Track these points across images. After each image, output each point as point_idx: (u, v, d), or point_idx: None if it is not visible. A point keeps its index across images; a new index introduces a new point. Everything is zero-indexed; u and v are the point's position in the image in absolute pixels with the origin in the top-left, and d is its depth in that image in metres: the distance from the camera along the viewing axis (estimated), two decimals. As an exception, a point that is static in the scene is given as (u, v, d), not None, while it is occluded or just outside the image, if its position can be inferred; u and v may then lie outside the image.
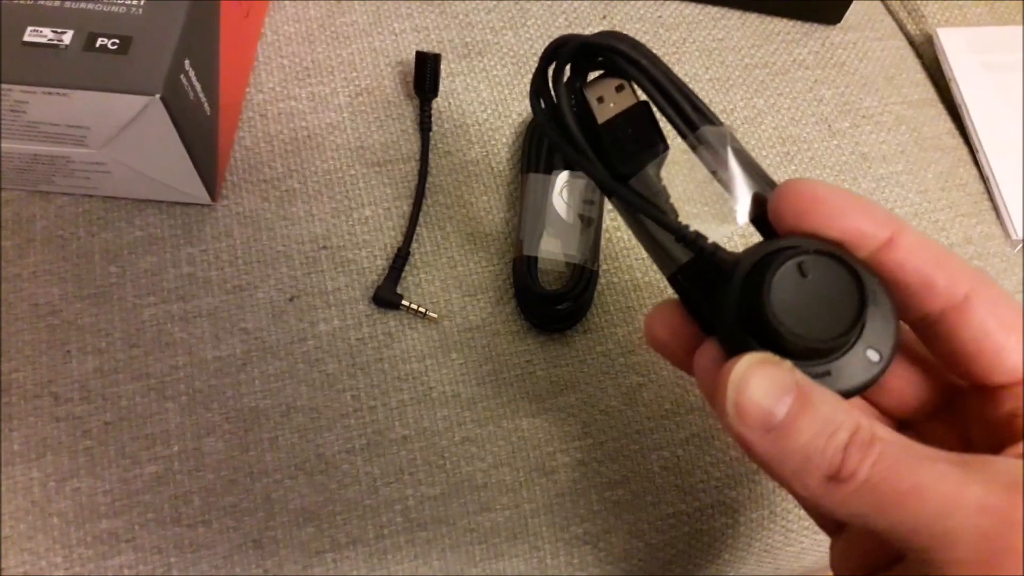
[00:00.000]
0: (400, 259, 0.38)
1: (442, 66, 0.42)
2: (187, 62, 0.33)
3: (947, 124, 0.48)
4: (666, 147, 0.27)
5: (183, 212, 0.38)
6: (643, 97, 0.26)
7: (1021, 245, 0.45)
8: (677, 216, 0.26)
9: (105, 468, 0.34)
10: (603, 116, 0.26)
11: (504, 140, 0.42)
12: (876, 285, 0.24)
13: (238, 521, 0.34)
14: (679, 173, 0.27)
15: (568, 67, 0.27)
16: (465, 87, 0.43)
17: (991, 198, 0.46)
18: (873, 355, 0.24)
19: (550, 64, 0.27)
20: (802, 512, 0.38)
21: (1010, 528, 0.19)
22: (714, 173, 0.25)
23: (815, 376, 0.23)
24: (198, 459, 0.34)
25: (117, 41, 0.32)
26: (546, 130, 0.28)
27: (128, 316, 0.36)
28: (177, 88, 0.32)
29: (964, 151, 0.48)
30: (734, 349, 0.23)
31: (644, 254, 0.40)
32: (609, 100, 0.27)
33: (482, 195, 0.41)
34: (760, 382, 0.21)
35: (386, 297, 0.37)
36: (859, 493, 0.20)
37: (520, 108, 0.43)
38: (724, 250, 0.24)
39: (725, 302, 0.24)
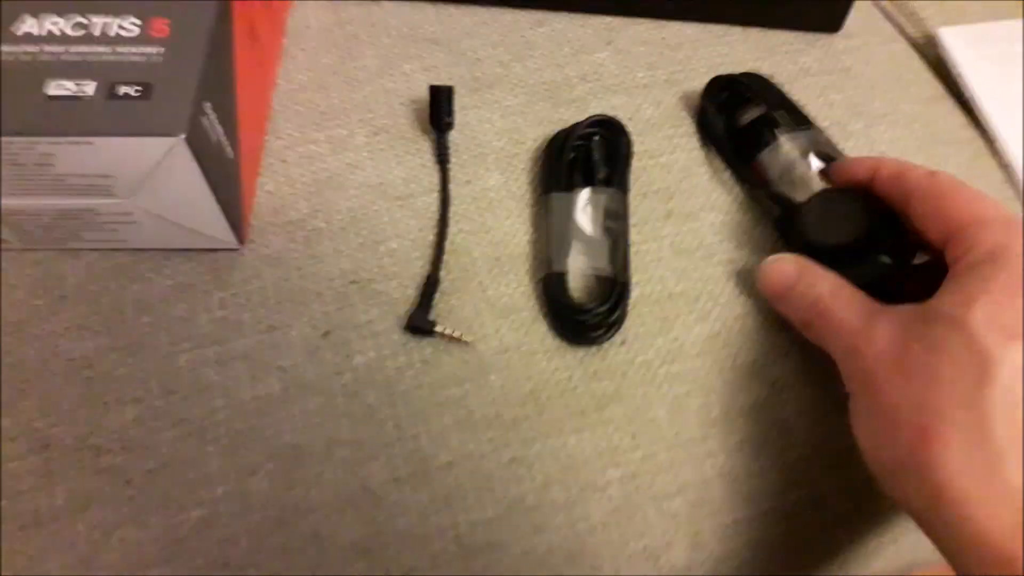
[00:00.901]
0: (430, 286, 0.38)
1: (455, 100, 0.43)
2: (207, 105, 0.34)
3: (960, 118, 0.49)
4: (776, 141, 0.42)
5: (211, 259, 0.38)
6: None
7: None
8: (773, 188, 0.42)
9: (150, 515, 0.33)
10: (743, 121, 0.44)
11: (521, 166, 0.43)
12: (884, 213, 0.37)
13: (288, 562, 0.33)
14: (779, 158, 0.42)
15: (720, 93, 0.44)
16: (479, 119, 0.44)
17: (1013, 185, 0.46)
18: (885, 259, 0.37)
19: (711, 92, 0.45)
20: (869, 513, 0.37)
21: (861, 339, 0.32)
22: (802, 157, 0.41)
23: (846, 274, 0.36)
24: (243, 500, 0.34)
25: (139, 88, 0.33)
26: (707, 133, 0.45)
27: (163, 364, 0.36)
28: (199, 130, 0.33)
29: (981, 143, 0.48)
30: None
31: (677, 264, 0.40)
32: (749, 113, 0.43)
33: (505, 219, 0.41)
34: (774, 265, 0.38)
35: (419, 324, 0.37)
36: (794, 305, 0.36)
37: (535, 134, 0.44)
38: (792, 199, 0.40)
39: (793, 232, 0.39)
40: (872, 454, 0.31)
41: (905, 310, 0.31)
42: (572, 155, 0.41)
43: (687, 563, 0.35)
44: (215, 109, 0.35)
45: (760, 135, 0.43)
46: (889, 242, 0.37)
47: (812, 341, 0.35)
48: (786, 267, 0.37)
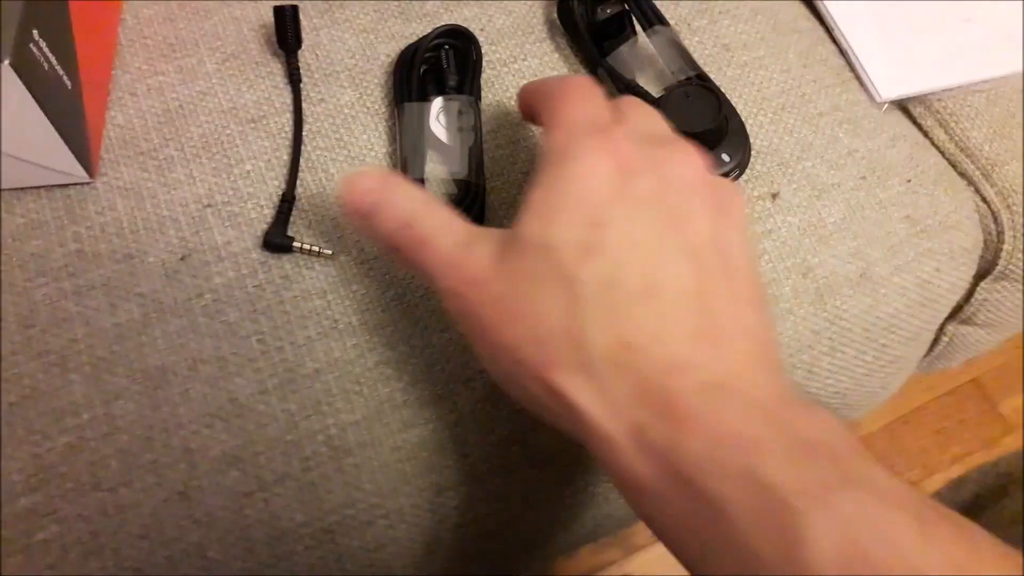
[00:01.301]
0: (286, 204, 0.39)
1: (305, 20, 0.43)
2: (35, 32, 0.33)
3: (801, 9, 0.51)
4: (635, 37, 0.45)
5: (64, 194, 0.38)
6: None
7: (886, 105, 0.47)
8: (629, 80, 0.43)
9: (16, 448, 0.33)
10: (602, 16, 0.45)
11: (376, 81, 0.43)
12: (735, 117, 0.42)
13: (160, 476, 0.34)
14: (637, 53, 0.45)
15: None
16: (330, 38, 0.44)
17: (852, 68, 0.48)
18: (726, 157, 0.41)
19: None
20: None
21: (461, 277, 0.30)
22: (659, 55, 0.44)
23: None
24: (110, 423, 0.34)
25: (-42, 18, 0.32)
26: (568, 25, 0.46)
27: (20, 299, 0.36)
28: (27, 56, 0.33)
29: (820, 31, 0.50)
30: None
31: (530, 167, 0.41)
32: (608, 9, 0.45)
33: (361, 134, 0.42)
34: (355, 178, 0.32)
35: (276, 240, 0.38)
36: (416, 239, 0.31)
37: (388, 50, 0.44)
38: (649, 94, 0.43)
39: None
40: (511, 391, 0.31)
41: (499, 234, 0.30)
42: (423, 67, 0.42)
43: (552, 446, 0.37)
44: (45, 36, 0.34)
45: (620, 30, 0.45)
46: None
47: (402, 267, 0.34)
48: (370, 180, 0.32)
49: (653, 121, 0.33)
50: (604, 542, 0.85)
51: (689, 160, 0.30)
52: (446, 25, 0.43)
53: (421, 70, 0.42)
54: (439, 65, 0.42)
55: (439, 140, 0.40)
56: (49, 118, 0.34)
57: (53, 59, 0.35)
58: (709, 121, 0.39)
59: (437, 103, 0.41)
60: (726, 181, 0.34)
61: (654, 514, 0.27)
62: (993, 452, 0.87)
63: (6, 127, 0.34)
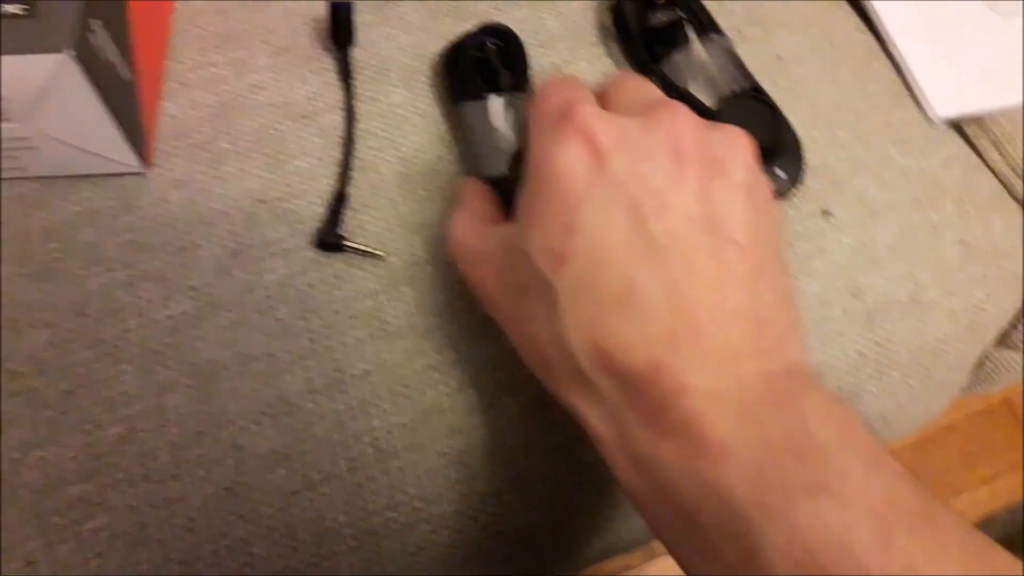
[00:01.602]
0: (338, 203, 0.39)
1: (358, 17, 0.42)
2: (96, 23, 0.33)
3: (856, 21, 0.50)
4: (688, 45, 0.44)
5: (118, 183, 0.38)
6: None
7: (941, 124, 0.47)
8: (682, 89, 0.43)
9: (69, 436, 0.34)
10: (656, 22, 0.44)
11: (426, 81, 0.43)
12: (789, 132, 0.42)
13: (208, 471, 0.34)
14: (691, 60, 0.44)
15: None
16: (383, 35, 0.44)
17: (907, 85, 0.48)
18: (780, 173, 0.41)
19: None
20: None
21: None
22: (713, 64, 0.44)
23: None
24: (160, 416, 0.34)
25: (24, 7, 0.32)
26: (622, 28, 0.45)
27: (74, 288, 0.36)
28: (87, 47, 0.33)
29: (875, 45, 0.49)
30: None
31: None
32: (661, 15, 0.44)
33: (412, 135, 0.42)
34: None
35: (328, 239, 0.38)
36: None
37: (439, 49, 0.44)
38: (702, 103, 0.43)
39: None
40: (535, 372, 0.32)
41: (502, 238, 0.32)
42: (474, 65, 0.42)
43: (595, 456, 0.37)
44: (105, 27, 0.34)
45: (674, 36, 0.44)
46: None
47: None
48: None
49: (638, 89, 0.32)
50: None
51: (675, 122, 0.28)
52: (487, 23, 0.42)
53: (473, 67, 0.42)
54: (487, 63, 0.42)
55: (507, 139, 0.40)
56: (106, 108, 0.34)
57: (114, 50, 0.35)
58: (765, 136, 0.39)
59: (497, 101, 0.40)
60: (727, 131, 0.30)
61: (648, 519, 0.28)
62: (1021, 475, 0.87)
63: (64, 116, 0.34)
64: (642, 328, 0.27)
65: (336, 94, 0.42)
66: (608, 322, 0.27)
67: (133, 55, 0.37)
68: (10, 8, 0.32)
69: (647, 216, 0.27)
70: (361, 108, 0.42)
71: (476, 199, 0.36)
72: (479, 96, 0.41)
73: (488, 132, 0.40)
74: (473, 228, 0.34)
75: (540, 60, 0.44)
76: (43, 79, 0.32)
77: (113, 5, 0.35)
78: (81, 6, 0.32)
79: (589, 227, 0.27)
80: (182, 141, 0.40)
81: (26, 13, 0.32)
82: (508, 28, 0.43)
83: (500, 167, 0.38)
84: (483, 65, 0.42)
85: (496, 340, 0.37)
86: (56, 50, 0.31)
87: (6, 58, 0.31)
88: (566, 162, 0.28)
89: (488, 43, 0.42)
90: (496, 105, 0.40)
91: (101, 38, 0.34)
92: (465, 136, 0.41)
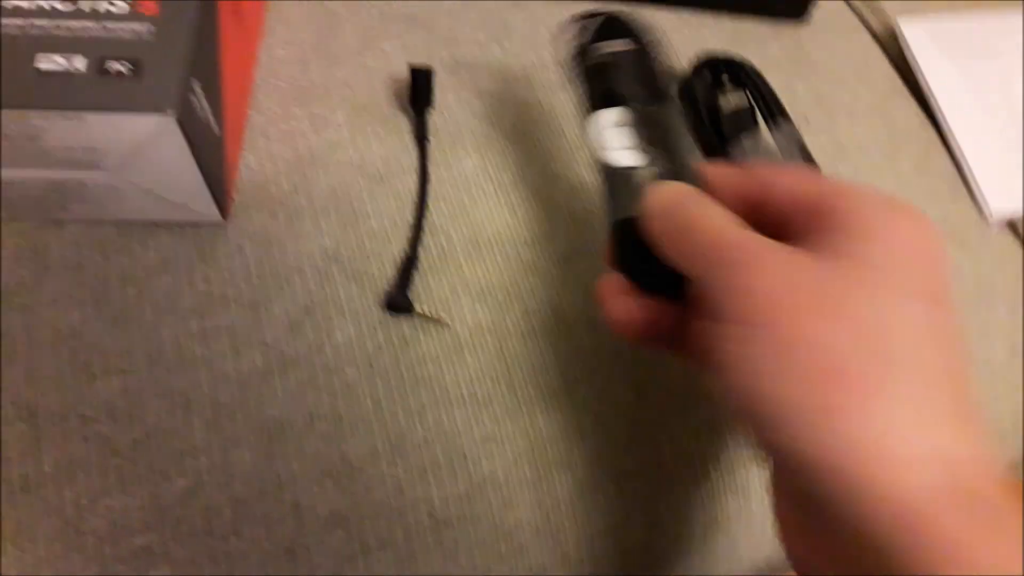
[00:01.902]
0: (408, 266, 0.39)
1: (435, 81, 0.43)
2: (196, 83, 0.34)
3: (917, 112, 0.51)
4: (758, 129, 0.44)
5: (195, 233, 0.39)
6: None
7: (997, 224, 0.48)
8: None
9: (136, 485, 0.34)
10: (725, 104, 0.44)
11: (498, 148, 0.44)
12: None
13: (269, 530, 0.35)
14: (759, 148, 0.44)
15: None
16: (457, 100, 0.45)
17: (964, 180, 0.49)
18: None
19: (697, 70, 0.41)
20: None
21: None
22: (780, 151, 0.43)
23: None
24: (226, 471, 0.35)
25: (129, 65, 0.33)
26: (691, 107, 0.43)
27: (148, 336, 0.37)
28: (188, 108, 0.33)
29: (935, 137, 0.50)
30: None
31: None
32: (731, 98, 0.43)
33: (482, 201, 0.42)
34: (665, 186, 0.31)
35: (398, 303, 0.39)
36: (663, 217, 0.30)
37: (512, 117, 0.45)
38: None
39: None
40: (756, 392, 0.25)
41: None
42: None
43: (643, 541, 0.38)
44: (203, 87, 0.35)
45: (742, 121, 0.45)
46: None
47: (677, 265, 0.29)
48: (674, 187, 0.31)
49: None
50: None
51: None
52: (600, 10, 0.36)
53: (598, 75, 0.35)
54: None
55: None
56: (198, 165, 0.35)
57: (207, 108, 0.36)
58: None
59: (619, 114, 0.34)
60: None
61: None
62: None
63: (155, 169, 0.35)
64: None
65: (410, 156, 0.43)
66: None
67: (223, 109, 0.38)
68: (116, 66, 0.33)
69: None
70: (434, 172, 0.42)
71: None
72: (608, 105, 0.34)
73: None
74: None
75: (609, 133, 0.45)
76: (142, 136, 0.33)
77: (210, 64, 0.36)
78: (185, 68, 0.33)
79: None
80: (260, 194, 0.41)
81: (131, 72, 0.33)
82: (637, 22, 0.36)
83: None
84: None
85: (551, 414, 0.38)
86: (160, 111, 0.32)
87: (110, 116, 0.32)
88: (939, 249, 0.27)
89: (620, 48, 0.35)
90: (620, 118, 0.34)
91: (199, 97, 0.35)
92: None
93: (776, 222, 0.29)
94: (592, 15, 0.36)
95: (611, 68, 0.35)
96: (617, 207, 0.32)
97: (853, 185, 0.28)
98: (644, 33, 0.36)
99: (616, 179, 0.33)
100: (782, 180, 0.30)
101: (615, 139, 0.33)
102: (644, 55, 0.35)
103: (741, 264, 0.26)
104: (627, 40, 0.35)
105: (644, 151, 0.33)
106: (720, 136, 0.45)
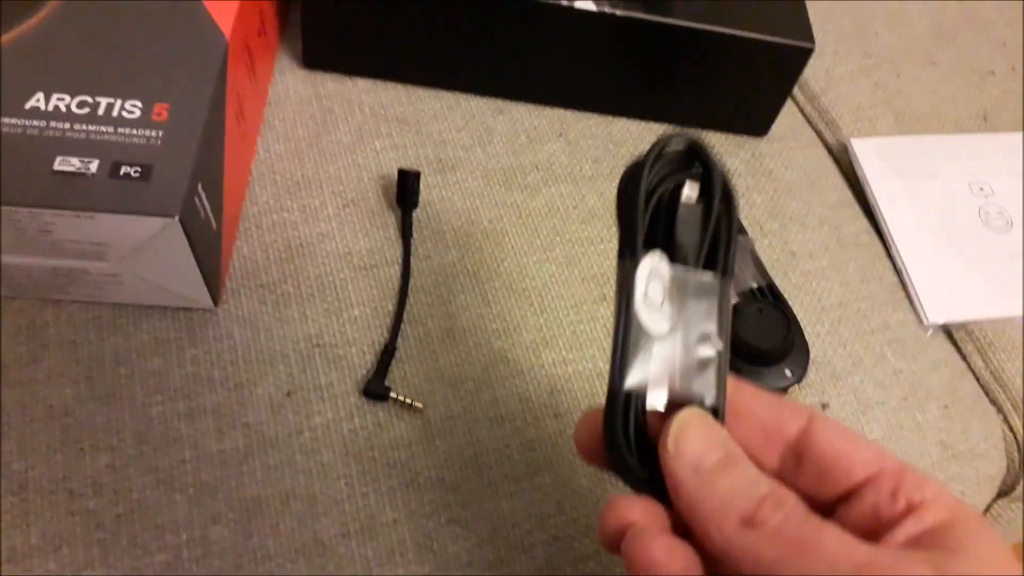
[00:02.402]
0: (387, 354, 0.42)
1: (420, 181, 0.47)
2: (199, 185, 0.37)
3: (864, 223, 0.55)
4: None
5: (187, 316, 0.42)
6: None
7: (932, 329, 0.51)
8: None
9: (118, 559, 0.36)
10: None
11: (477, 245, 0.47)
12: (800, 336, 0.46)
13: (243, 605, 0.37)
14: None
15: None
16: (440, 198, 0.48)
17: (904, 288, 0.53)
18: (788, 372, 0.44)
19: (654, 154, 0.28)
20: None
21: None
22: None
23: (751, 373, 0.43)
24: (205, 547, 0.37)
25: (139, 169, 0.36)
26: (626, 202, 0.28)
27: (137, 414, 0.39)
28: (191, 210, 0.36)
29: (879, 247, 0.54)
30: None
31: (608, 345, 0.45)
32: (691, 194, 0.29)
33: (459, 294, 0.45)
34: (698, 429, 0.26)
35: (375, 390, 0.41)
36: (769, 539, 0.24)
37: (490, 216, 0.48)
38: None
39: None
40: None
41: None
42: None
43: (599, 621, 0.40)
44: (205, 188, 0.38)
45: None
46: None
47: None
48: (712, 435, 0.26)
49: None
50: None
51: None
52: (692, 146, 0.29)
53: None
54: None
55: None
56: (196, 260, 0.38)
57: (208, 206, 0.39)
58: (778, 341, 0.43)
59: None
60: None
61: None
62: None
63: (156, 262, 0.38)
64: None
65: (394, 249, 0.46)
66: None
67: (223, 206, 0.41)
68: (128, 169, 0.36)
69: None
70: (415, 265, 0.46)
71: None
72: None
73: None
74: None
75: (578, 233, 0.49)
76: (148, 235, 0.36)
77: (215, 166, 0.39)
78: (192, 173, 0.36)
79: None
80: (250, 281, 0.43)
81: (140, 175, 0.36)
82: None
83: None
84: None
85: (513, 498, 0.41)
86: (168, 215, 0.35)
87: (119, 216, 0.35)
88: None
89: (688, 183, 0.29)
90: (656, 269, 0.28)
91: (202, 198, 0.38)
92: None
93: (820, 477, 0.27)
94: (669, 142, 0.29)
95: (683, 213, 0.29)
96: (627, 373, 0.27)
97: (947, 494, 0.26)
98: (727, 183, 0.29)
99: (637, 340, 0.27)
100: (860, 453, 0.27)
101: (652, 291, 0.28)
102: (727, 212, 0.29)
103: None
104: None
105: (673, 324, 0.28)
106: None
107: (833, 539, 0.23)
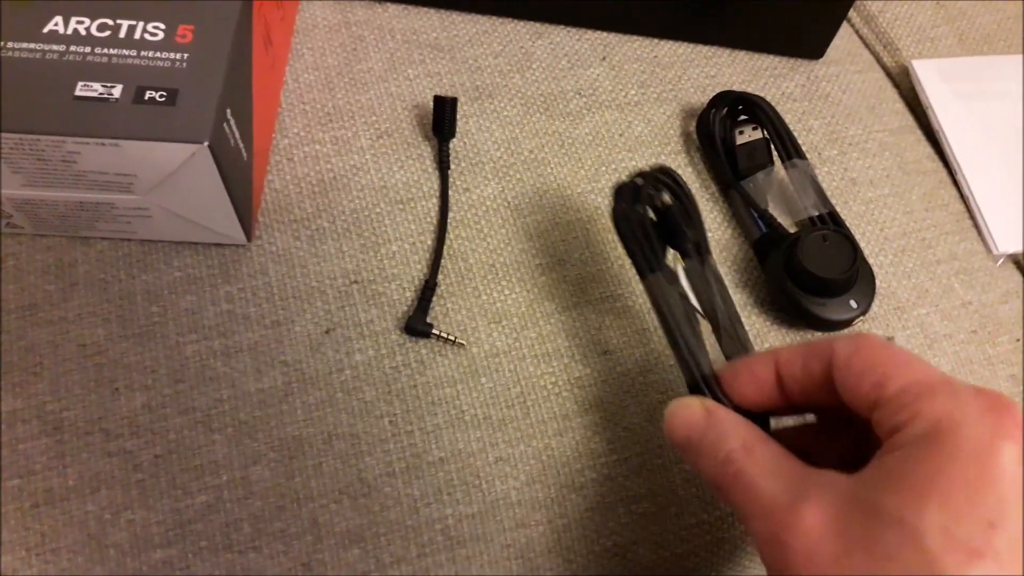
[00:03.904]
0: (428, 290, 0.40)
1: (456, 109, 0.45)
2: (228, 111, 0.35)
3: (927, 149, 0.52)
4: (772, 166, 0.47)
5: (219, 252, 0.40)
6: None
7: (1002, 259, 0.48)
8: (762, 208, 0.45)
9: (157, 500, 0.35)
10: (741, 140, 0.46)
11: (517, 176, 0.45)
12: (864, 264, 0.44)
13: (287, 545, 0.35)
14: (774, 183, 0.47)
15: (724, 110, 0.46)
16: (479, 128, 0.46)
17: (971, 216, 0.50)
18: (853, 303, 0.42)
19: (714, 106, 0.46)
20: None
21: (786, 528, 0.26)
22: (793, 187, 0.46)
23: (815, 305, 0.42)
24: (246, 487, 0.36)
25: (164, 94, 0.34)
26: (706, 142, 0.47)
27: (172, 353, 0.38)
28: (221, 136, 0.34)
29: (944, 173, 0.51)
30: (777, 286, 0.43)
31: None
32: (746, 134, 0.46)
33: (500, 228, 0.43)
34: (677, 410, 0.31)
35: (417, 327, 0.39)
36: (734, 478, 0.29)
37: (531, 145, 0.46)
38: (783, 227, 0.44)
39: (778, 256, 0.42)
40: None
41: (838, 490, 0.27)
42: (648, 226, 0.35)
43: (651, 561, 0.39)
44: (234, 115, 0.36)
45: (758, 156, 0.46)
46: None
47: (723, 502, 0.31)
48: (691, 413, 0.31)
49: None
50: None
51: None
52: (658, 166, 0.36)
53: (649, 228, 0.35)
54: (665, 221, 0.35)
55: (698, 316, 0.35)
56: (228, 190, 0.36)
57: (238, 134, 0.37)
58: (844, 270, 0.41)
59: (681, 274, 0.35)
60: None
61: None
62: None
63: (186, 194, 0.36)
64: None
65: (431, 182, 0.44)
66: None
67: (253, 136, 0.39)
68: (152, 94, 0.34)
69: None
70: (454, 198, 0.43)
71: (742, 426, 0.30)
72: (664, 266, 0.34)
73: (686, 315, 0.34)
74: (772, 465, 0.29)
75: (625, 163, 0.46)
76: (176, 163, 0.34)
77: (243, 92, 0.37)
78: (219, 97, 0.34)
79: (1015, 529, 0.25)
80: (284, 216, 0.41)
81: (165, 100, 0.34)
82: (678, 176, 0.36)
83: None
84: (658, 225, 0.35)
85: (563, 436, 0.39)
86: (197, 140, 0.33)
87: (145, 144, 0.33)
88: (1008, 461, 0.25)
89: (662, 197, 0.35)
90: (682, 276, 0.35)
91: (231, 125, 0.36)
92: (661, 317, 0.34)
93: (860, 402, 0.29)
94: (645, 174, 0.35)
95: (678, 215, 0.35)
96: (696, 365, 0.33)
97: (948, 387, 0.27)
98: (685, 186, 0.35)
99: (688, 337, 0.33)
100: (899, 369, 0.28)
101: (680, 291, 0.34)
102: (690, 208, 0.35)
103: (775, 539, 0.27)
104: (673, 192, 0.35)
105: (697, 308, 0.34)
106: (735, 171, 0.46)
107: (757, 470, 0.28)
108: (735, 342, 0.34)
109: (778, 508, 0.27)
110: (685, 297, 0.34)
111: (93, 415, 0.36)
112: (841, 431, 0.32)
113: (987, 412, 0.26)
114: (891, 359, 0.29)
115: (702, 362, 0.33)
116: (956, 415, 0.26)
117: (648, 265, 0.34)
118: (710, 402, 0.31)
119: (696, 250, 0.35)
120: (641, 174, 0.35)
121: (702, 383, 0.32)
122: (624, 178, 0.35)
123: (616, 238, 0.36)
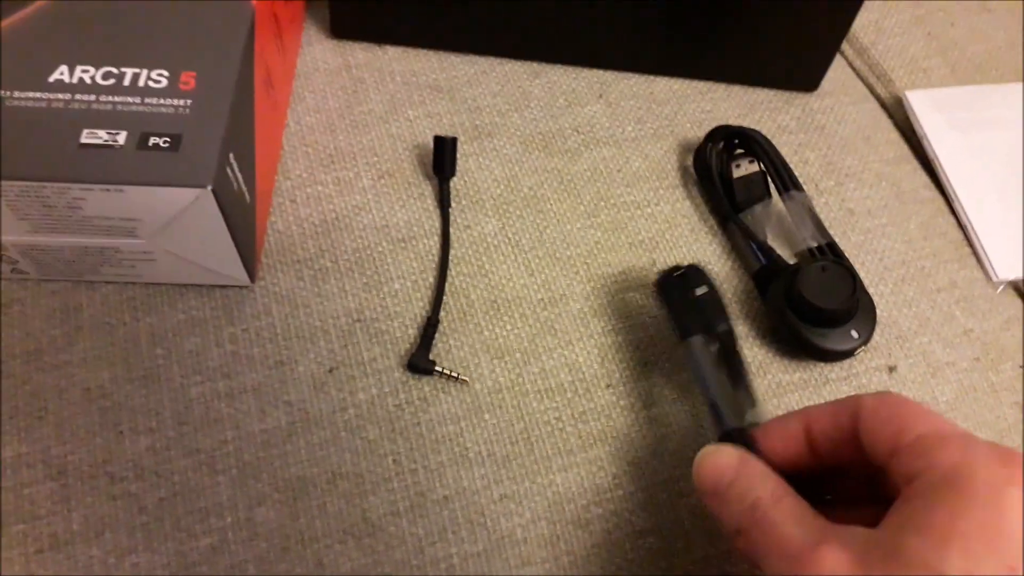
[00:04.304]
0: (430, 327, 0.41)
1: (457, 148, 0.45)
2: (231, 155, 0.36)
3: (923, 178, 0.52)
4: (770, 198, 0.47)
5: (223, 294, 0.40)
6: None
7: (1002, 286, 0.49)
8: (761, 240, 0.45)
9: (162, 542, 0.35)
10: (738, 174, 0.47)
11: (517, 212, 0.45)
12: (864, 294, 0.44)
13: (292, 587, 0.35)
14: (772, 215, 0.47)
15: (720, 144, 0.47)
16: (478, 166, 0.46)
17: (970, 244, 0.50)
18: (854, 333, 0.42)
19: (710, 140, 0.47)
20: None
21: (808, 566, 0.27)
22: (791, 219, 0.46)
23: (817, 336, 0.42)
24: (251, 529, 0.36)
25: (168, 139, 0.34)
26: (703, 175, 0.48)
27: (176, 395, 0.38)
28: (224, 180, 0.35)
29: (941, 202, 0.51)
30: (778, 317, 0.43)
31: (657, 313, 0.43)
32: (743, 167, 0.47)
33: (501, 264, 0.44)
34: (710, 457, 0.33)
35: (420, 364, 0.40)
36: (759, 521, 0.30)
37: (531, 182, 0.46)
38: (782, 259, 0.45)
39: (778, 287, 0.43)
40: None
41: (859, 536, 0.28)
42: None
43: (660, 598, 0.38)
44: (237, 158, 0.37)
45: (755, 189, 0.47)
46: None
47: (743, 555, 0.31)
48: (724, 461, 0.32)
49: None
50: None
51: None
52: (691, 266, 0.40)
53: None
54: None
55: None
56: (231, 233, 0.37)
57: (241, 178, 0.37)
58: (844, 300, 0.41)
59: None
60: None
61: None
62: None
63: (190, 237, 0.37)
64: None
65: (432, 220, 0.44)
66: None
67: (255, 179, 0.39)
68: (156, 140, 0.34)
69: None
70: (455, 235, 0.44)
71: (771, 478, 0.32)
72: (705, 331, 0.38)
73: (716, 373, 0.37)
74: (797, 514, 0.30)
75: (623, 198, 0.47)
76: (180, 208, 0.34)
77: (245, 136, 0.38)
78: (222, 141, 0.35)
79: None
80: (287, 256, 0.42)
81: (169, 145, 0.34)
82: (701, 269, 0.40)
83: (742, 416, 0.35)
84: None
85: (567, 472, 0.39)
86: (200, 185, 0.33)
87: (149, 189, 0.33)
88: (1019, 509, 0.27)
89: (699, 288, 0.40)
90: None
91: (234, 169, 0.36)
92: (698, 373, 0.38)
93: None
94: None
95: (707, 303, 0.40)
96: (728, 418, 0.35)
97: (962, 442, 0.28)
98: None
99: (721, 392, 0.36)
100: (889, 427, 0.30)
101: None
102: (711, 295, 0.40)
103: (798, 565, 0.28)
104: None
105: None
106: (733, 204, 0.46)
107: (782, 517, 0.29)
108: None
109: (801, 548, 0.28)
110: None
111: (98, 458, 0.36)
112: (860, 501, 0.33)
113: (999, 461, 0.27)
114: (912, 410, 0.30)
115: (735, 416, 0.35)
116: (971, 462, 0.27)
117: (689, 329, 0.39)
118: (743, 451, 0.32)
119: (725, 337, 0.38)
120: (678, 267, 0.41)
121: (736, 435, 0.34)
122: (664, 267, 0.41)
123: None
